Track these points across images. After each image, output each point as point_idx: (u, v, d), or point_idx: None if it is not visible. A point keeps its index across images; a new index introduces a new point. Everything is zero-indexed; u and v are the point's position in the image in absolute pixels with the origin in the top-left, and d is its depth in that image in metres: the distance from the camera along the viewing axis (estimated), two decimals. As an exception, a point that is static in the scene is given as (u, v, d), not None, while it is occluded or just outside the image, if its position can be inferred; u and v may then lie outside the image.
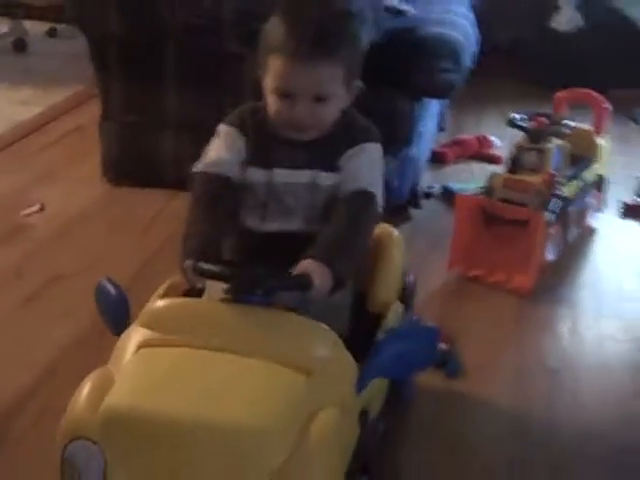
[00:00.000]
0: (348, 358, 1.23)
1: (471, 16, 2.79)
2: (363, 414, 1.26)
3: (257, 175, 1.41)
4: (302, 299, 1.24)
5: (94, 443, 1.09)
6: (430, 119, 2.72)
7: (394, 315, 1.47)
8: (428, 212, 2.51)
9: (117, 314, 1.31)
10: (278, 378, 1.13)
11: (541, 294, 2.08)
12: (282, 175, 1.40)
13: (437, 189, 2.64)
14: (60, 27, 4.09)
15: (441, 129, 3.08)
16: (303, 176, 1.40)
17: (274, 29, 1.35)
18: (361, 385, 1.24)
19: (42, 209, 2.35)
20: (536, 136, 2.13)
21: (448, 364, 1.78)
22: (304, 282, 1.21)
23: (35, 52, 3.84)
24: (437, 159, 2.89)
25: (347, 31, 1.37)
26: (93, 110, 2.97)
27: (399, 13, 2.52)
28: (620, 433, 1.63)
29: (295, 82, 1.33)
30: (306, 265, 1.23)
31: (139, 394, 1.11)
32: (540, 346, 1.90)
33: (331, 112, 1.37)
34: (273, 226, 1.41)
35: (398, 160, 2.31)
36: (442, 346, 1.80)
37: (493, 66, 3.70)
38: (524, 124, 2.16)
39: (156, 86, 2.44)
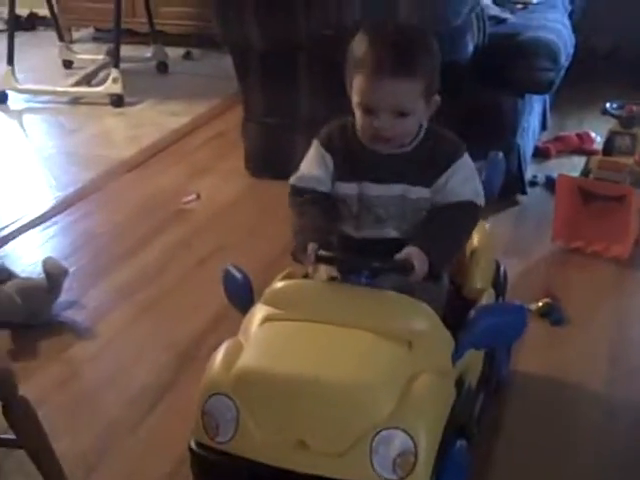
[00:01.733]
0: (444, 332, 1.37)
1: (567, 22, 3.07)
2: (459, 382, 1.39)
3: (348, 188, 1.49)
4: (403, 283, 1.38)
5: (229, 398, 1.27)
6: (533, 116, 3.02)
7: (487, 300, 1.60)
8: (533, 198, 2.79)
9: (243, 295, 1.47)
10: (383, 347, 1.29)
11: (637, 261, 2.35)
12: (372, 188, 1.48)
13: (541, 178, 2.93)
14: (194, 51, 4.59)
15: (544, 128, 3.36)
16: (393, 189, 1.47)
17: (357, 48, 1.43)
18: (457, 355, 1.38)
19: (198, 197, 2.77)
20: (628, 122, 2.41)
21: (552, 315, 2.07)
22: (405, 265, 1.36)
23: (175, 73, 4.33)
24: (541, 154, 3.17)
25: (424, 50, 1.43)
26: (231, 119, 3.44)
27: (501, 21, 2.84)
28: None
29: (376, 98, 1.39)
30: (408, 251, 1.37)
31: (266, 357, 1.30)
32: (637, 303, 2.17)
33: (411, 125, 1.44)
34: (367, 233, 1.50)
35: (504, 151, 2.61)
36: (546, 300, 2.11)
37: (593, 71, 3.95)
38: (616, 112, 2.44)
39: (290, 91, 2.83)
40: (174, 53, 4.49)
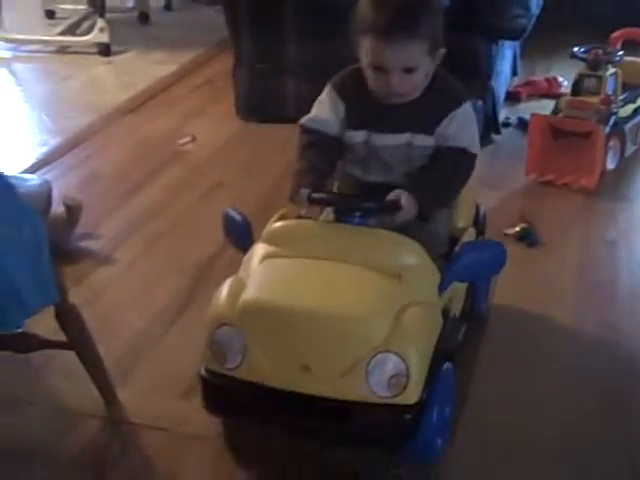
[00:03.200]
0: (431, 265, 1.48)
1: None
2: (445, 311, 1.52)
3: (356, 136, 1.60)
4: (394, 225, 1.48)
5: (236, 328, 1.37)
6: (505, 62, 3.21)
7: (468, 237, 1.72)
8: (507, 137, 3.00)
9: (242, 236, 1.57)
10: (375, 280, 1.40)
11: (603, 193, 2.57)
12: (380, 138, 1.58)
13: (513, 120, 3.13)
14: (175, 1, 4.69)
15: (515, 74, 3.56)
16: (400, 138, 1.58)
17: (364, 11, 1.52)
18: (442, 287, 1.50)
19: (194, 139, 2.93)
20: (594, 64, 2.62)
21: (528, 237, 2.29)
22: (392, 205, 1.46)
23: (157, 23, 4.44)
24: (512, 97, 3.37)
25: (428, 10, 1.53)
26: (217, 67, 3.61)
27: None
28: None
29: (386, 58, 1.50)
30: (398, 193, 1.47)
31: (269, 290, 1.40)
32: (602, 227, 2.40)
33: (420, 79, 1.55)
34: (373, 177, 1.61)
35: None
36: (523, 225, 2.33)
37: (559, 20, 4.14)
38: (584, 55, 2.65)
39: (278, 36, 2.97)
40: (155, 4, 4.58)
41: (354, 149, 1.61)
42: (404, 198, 1.47)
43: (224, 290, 1.43)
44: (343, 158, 1.64)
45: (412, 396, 1.34)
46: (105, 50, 3.85)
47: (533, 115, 2.68)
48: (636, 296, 2.05)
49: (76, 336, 1.57)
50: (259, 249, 1.49)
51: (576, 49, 2.68)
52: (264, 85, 3.07)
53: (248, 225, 1.58)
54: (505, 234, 2.30)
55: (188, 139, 2.94)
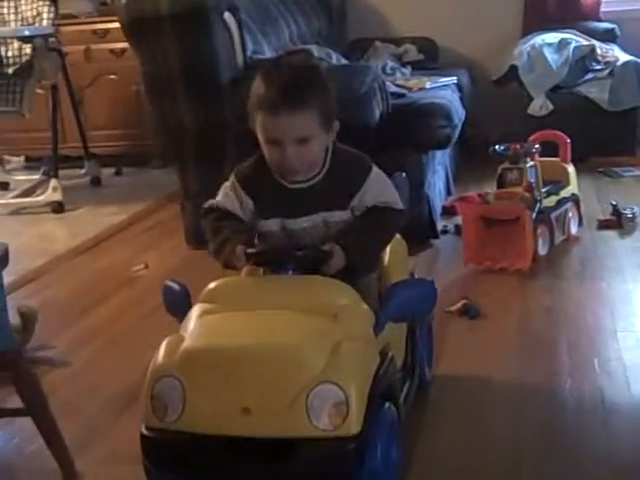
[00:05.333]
0: (364, 306, 1.54)
1: (457, 98, 3.56)
2: (383, 352, 1.55)
3: (271, 225, 1.64)
4: (327, 272, 1.54)
5: (175, 378, 1.37)
6: (438, 177, 3.44)
7: None
8: (446, 241, 3.17)
9: (181, 304, 1.59)
10: (311, 319, 1.44)
11: (538, 273, 2.74)
12: (295, 222, 1.63)
13: (451, 227, 3.31)
14: (124, 169, 4.93)
15: (449, 194, 3.79)
16: (315, 219, 1.62)
17: (255, 90, 1.58)
18: (379, 328, 1.55)
19: (146, 267, 3.04)
20: (514, 158, 2.84)
21: (469, 312, 2.40)
22: (321, 258, 1.54)
23: (108, 185, 4.64)
24: (448, 212, 3.55)
25: (313, 85, 1.58)
26: (166, 213, 3.78)
27: (401, 95, 3.30)
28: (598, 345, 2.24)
29: (278, 131, 1.55)
30: (329, 246, 1.55)
31: (207, 338, 1.42)
32: (539, 297, 2.55)
33: (315, 151, 1.59)
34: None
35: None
36: (463, 301, 2.44)
37: (487, 155, 4.45)
38: (504, 152, 2.87)
39: (221, 169, 3.15)
40: (105, 172, 4.80)
41: (272, 235, 1.65)
42: (336, 252, 1.54)
43: (163, 346, 1.46)
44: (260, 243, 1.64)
45: (353, 427, 1.34)
46: (58, 208, 3.99)
47: (464, 205, 2.85)
48: (575, 352, 2.16)
49: (31, 399, 1.59)
50: (197, 308, 1.53)
51: (496, 147, 2.90)
52: (211, 214, 3.22)
53: (186, 292, 1.62)
54: (447, 311, 2.40)
55: (141, 266, 3.04)
